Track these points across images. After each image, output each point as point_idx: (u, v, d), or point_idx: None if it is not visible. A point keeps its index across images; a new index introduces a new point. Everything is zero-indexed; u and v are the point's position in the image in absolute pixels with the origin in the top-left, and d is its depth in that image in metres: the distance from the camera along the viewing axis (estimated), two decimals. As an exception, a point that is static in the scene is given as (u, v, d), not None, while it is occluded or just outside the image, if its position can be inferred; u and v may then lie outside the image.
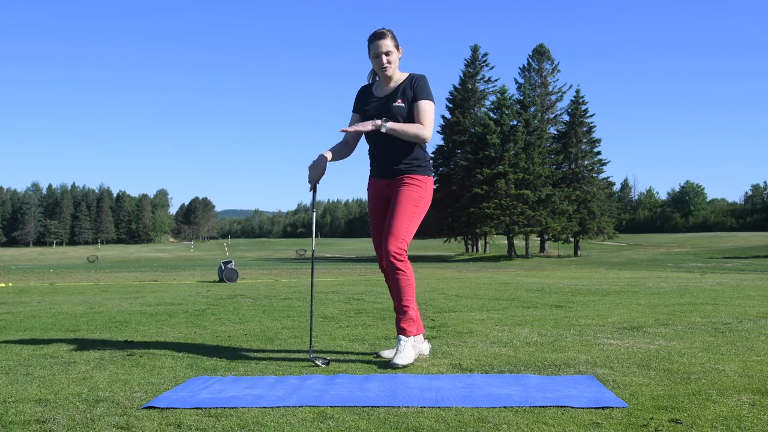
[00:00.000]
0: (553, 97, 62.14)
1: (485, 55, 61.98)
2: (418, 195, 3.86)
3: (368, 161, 4.06)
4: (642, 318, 6.01)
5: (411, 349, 3.71)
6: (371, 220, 4.09)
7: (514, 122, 52.21)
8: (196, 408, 2.71)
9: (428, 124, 3.84)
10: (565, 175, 55.81)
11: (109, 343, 4.67)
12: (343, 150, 4.08)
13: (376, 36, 3.84)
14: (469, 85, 61.52)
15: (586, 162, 56.67)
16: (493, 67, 63.36)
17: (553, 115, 61.69)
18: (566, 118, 58.21)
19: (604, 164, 56.83)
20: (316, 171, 3.90)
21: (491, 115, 53.08)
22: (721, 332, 4.96)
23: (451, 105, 61.94)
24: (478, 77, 61.93)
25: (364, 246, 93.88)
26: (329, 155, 3.94)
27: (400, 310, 3.79)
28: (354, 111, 4.10)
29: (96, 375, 3.43)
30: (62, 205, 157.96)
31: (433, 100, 3.90)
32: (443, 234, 60.58)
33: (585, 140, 56.47)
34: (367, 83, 4.14)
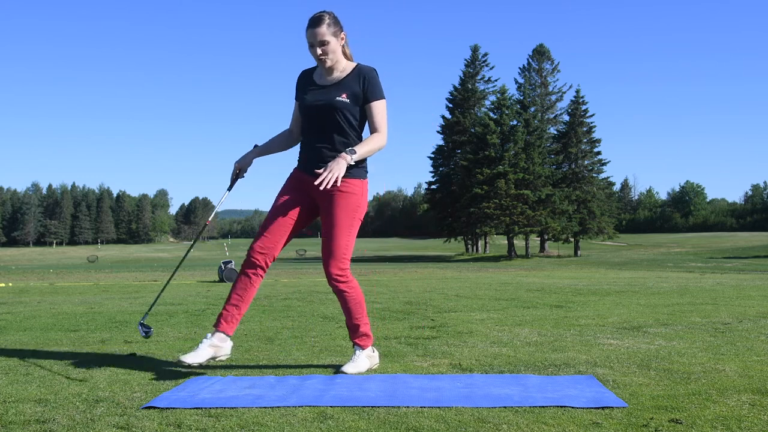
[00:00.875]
0: (553, 97, 62.24)
1: (485, 55, 62.03)
2: (355, 204, 3.50)
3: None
4: (642, 318, 6.01)
5: (366, 359, 3.56)
6: (274, 206, 3.62)
7: (514, 122, 52.25)
8: (196, 408, 2.71)
9: (384, 128, 3.53)
10: (565, 175, 55.83)
11: (109, 343, 4.67)
12: (282, 141, 3.75)
13: (311, 22, 3.41)
14: (469, 85, 61.54)
15: (586, 162, 56.69)
16: (493, 67, 63.45)
17: (553, 115, 61.77)
18: (566, 118, 58.26)
19: (604, 164, 56.87)
20: (238, 164, 3.68)
21: (491, 115, 53.10)
22: (721, 332, 4.96)
23: (451, 105, 61.97)
24: (478, 77, 61.97)
25: (365, 246, 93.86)
26: (258, 151, 3.71)
27: (352, 328, 3.61)
28: (296, 99, 3.67)
29: (96, 375, 3.43)
30: (62, 205, 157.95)
31: (384, 97, 3.55)
32: (443, 234, 60.62)
33: (585, 140, 56.49)
34: (311, 67, 3.71)
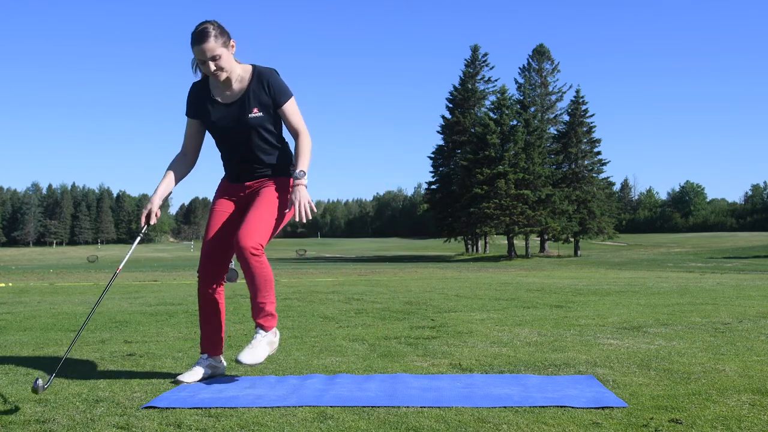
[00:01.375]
0: (553, 97, 62.27)
1: (485, 55, 62.09)
2: (285, 198, 3.35)
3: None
4: (642, 318, 6.01)
5: (266, 345, 3.28)
6: (211, 220, 3.43)
7: (514, 122, 52.31)
8: (196, 408, 2.71)
9: (303, 126, 3.34)
10: (565, 175, 55.87)
11: (109, 343, 4.67)
12: (181, 169, 3.46)
13: (196, 38, 3.14)
14: (469, 85, 61.59)
15: (586, 162, 56.74)
16: (493, 67, 63.52)
17: (553, 115, 61.81)
18: (566, 118, 58.30)
19: (604, 164, 56.93)
20: (147, 210, 3.31)
21: (491, 115, 53.15)
22: (721, 332, 4.96)
23: (451, 105, 62.03)
24: (478, 77, 62.03)
25: (365, 246, 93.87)
26: (161, 194, 3.35)
27: (257, 307, 3.31)
28: (191, 116, 3.41)
29: (96, 375, 3.43)
30: (62, 205, 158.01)
31: (292, 94, 3.33)
32: (443, 234, 60.65)
33: (585, 140, 56.53)
34: (198, 79, 3.42)
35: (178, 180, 3.45)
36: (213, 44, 3.13)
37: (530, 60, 62.54)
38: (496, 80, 62.22)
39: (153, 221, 3.33)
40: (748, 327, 5.27)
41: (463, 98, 61.35)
